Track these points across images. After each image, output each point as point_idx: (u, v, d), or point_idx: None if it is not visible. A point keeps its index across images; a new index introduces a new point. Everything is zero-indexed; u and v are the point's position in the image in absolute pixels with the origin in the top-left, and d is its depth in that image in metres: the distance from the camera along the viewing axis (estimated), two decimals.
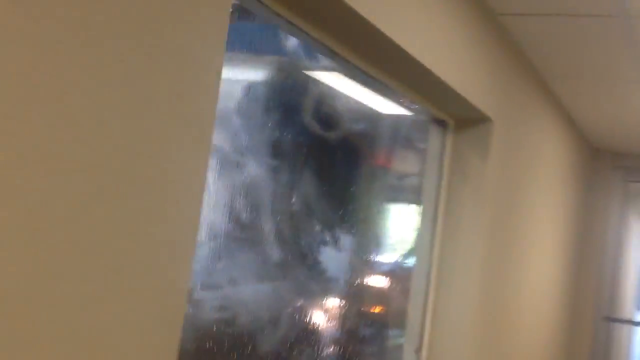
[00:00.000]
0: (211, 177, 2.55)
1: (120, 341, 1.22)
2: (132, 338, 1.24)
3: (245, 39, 2.69)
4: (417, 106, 3.08)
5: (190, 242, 1.34)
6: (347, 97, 3.06)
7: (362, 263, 3.52)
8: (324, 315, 3.29)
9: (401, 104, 3.08)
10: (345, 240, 3.37)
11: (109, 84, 1.15)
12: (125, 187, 1.20)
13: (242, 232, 2.74)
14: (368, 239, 3.53)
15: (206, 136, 1.35)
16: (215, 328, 2.57)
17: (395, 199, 3.78)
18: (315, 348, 3.18)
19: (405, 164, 3.81)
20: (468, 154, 3.20)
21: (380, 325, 3.61)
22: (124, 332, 1.22)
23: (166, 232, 1.28)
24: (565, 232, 5.26)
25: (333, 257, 3.31)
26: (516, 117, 3.57)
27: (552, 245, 4.83)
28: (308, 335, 3.16)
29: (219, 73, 1.38)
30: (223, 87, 2.76)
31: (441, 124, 3.23)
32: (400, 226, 3.67)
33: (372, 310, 3.58)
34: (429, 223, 3.19)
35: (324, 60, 2.70)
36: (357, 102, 3.10)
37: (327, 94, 3.06)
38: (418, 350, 3.15)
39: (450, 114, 3.18)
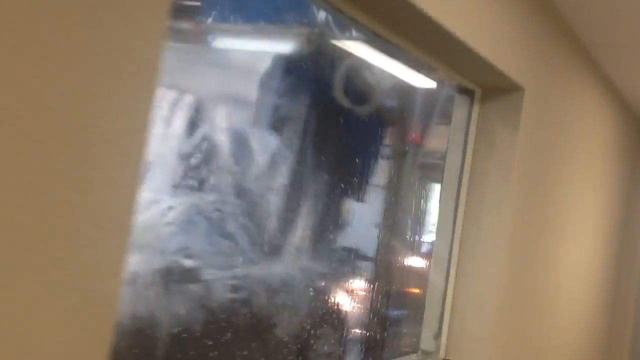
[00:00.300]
0: (232, 150, 2.41)
1: (37, 333, 1.04)
2: (51, 330, 1.06)
3: (272, 10, 2.53)
4: (441, 74, 2.84)
5: (125, 219, 1.14)
6: (370, 65, 2.86)
7: (384, 241, 3.32)
8: (341, 294, 3.12)
9: (425, 72, 2.87)
10: (365, 217, 3.19)
11: (36, 34, 0.96)
12: (43, 148, 1.01)
13: (258, 205, 2.59)
14: (389, 217, 3.33)
15: (147, 99, 1.15)
16: (229, 306, 2.47)
17: (422, 175, 3.56)
18: (330, 329, 3.03)
19: (433, 138, 3.58)
20: (496, 125, 2.95)
21: (400, 307, 3.42)
22: (40, 323, 1.04)
23: (96, 206, 1.09)
24: (608, 213, 4.95)
25: (350, 234, 3.13)
26: (551, 86, 3.29)
27: (592, 227, 4.54)
28: (324, 315, 3.01)
29: (164, 27, 1.17)
30: (251, 58, 2.60)
31: (467, 93, 2.98)
32: (425, 203, 3.46)
33: (392, 291, 3.39)
34: (451, 199, 2.95)
35: (346, 29, 2.50)
36: (380, 71, 2.89)
37: (350, 63, 2.86)
38: (437, 336, 2.94)
39: (477, 82, 2.93)
